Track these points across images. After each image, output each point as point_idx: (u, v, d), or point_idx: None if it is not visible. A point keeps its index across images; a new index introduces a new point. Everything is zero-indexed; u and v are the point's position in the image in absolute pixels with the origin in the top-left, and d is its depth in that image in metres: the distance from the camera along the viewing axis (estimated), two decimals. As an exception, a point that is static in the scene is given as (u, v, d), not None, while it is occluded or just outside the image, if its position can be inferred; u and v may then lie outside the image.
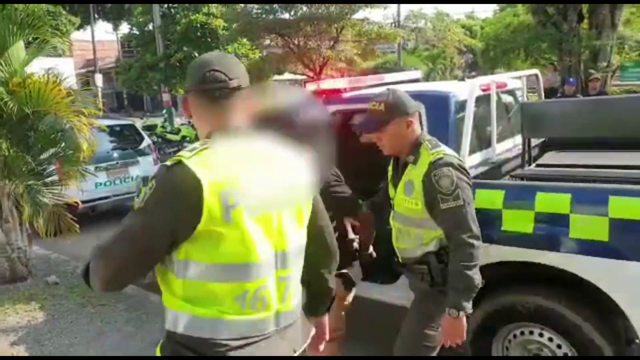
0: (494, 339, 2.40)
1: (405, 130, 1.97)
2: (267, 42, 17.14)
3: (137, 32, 23.76)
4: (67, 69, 7.49)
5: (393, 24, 22.95)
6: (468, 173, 1.94)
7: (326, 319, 1.59)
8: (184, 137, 12.82)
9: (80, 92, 4.66)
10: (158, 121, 15.16)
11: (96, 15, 27.67)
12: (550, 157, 3.19)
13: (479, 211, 1.94)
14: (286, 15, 15.98)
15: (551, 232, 2.16)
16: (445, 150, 1.93)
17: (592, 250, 2.05)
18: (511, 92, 3.45)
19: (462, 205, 1.83)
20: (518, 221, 2.22)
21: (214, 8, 20.16)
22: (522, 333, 2.34)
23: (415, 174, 1.94)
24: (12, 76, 4.32)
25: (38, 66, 4.87)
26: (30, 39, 4.76)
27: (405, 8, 25.64)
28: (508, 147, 3.16)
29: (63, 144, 4.44)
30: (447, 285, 1.86)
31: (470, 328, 2.40)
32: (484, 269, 2.29)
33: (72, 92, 4.33)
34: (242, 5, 16.74)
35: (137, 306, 3.72)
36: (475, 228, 1.85)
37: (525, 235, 2.20)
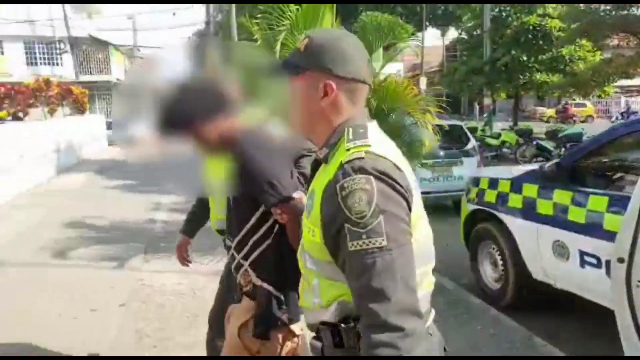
0: None
1: (319, 98, 1.07)
2: (615, 42, 14.82)
3: (466, 37, 24.36)
4: (397, 72, 8.22)
5: None
6: (406, 191, 1.01)
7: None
8: (503, 142, 12.36)
9: (426, 94, 4.98)
10: (475, 124, 15.14)
11: (427, 23, 29.71)
12: None
13: None
14: (644, 10, 13.42)
15: None
16: (373, 148, 1.03)
17: None
18: None
19: (381, 249, 0.94)
20: None
21: (551, 8, 18.74)
22: None
23: (319, 182, 1.08)
24: (374, 77, 4.93)
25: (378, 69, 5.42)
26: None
27: None
28: None
29: (407, 137, 4.80)
30: None
31: None
32: None
33: (420, 92, 4.65)
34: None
35: (458, 304, 3.70)
36: (408, 298, 0.93)
37: None
